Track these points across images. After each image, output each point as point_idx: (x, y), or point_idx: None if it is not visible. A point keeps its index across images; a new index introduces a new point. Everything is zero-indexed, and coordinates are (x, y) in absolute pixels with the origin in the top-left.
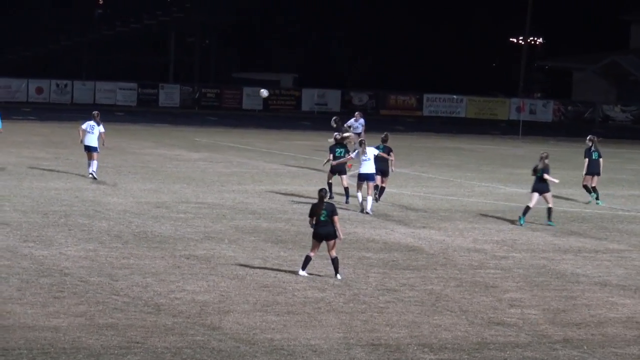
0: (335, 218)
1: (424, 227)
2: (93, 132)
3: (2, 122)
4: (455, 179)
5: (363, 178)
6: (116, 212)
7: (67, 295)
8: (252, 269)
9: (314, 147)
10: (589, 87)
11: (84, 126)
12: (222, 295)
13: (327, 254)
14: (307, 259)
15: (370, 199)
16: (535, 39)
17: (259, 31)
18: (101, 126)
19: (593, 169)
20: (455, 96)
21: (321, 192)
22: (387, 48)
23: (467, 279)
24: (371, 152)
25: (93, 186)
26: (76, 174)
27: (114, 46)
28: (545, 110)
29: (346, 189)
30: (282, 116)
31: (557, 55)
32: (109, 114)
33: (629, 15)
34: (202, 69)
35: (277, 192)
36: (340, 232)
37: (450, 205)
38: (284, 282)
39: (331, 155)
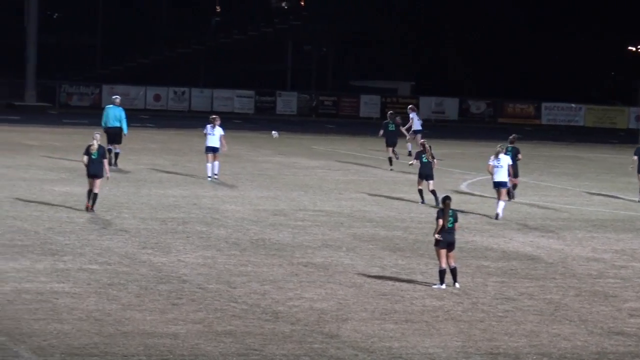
0: (456, 225)
1: (542, 236)
2: (213, 133)
3: (127, 125)
4: (573, 188)
5: (496, 185)
6: (234, 219)
7: (186, 302)
8: (370, 277)
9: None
10: None
11: (206, 129)
12: (340, 303)
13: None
14: (442, 273)
15: (502, 203)
16: None
17: (376, 38)
18: (221, 129)
19: None
20: (573, 105)
21: (446, 199)
22: (505, 56)
23: (586, 288)
24: (505, 160)
25: (211, 193)
26: (194, 181)
27: (231, 54)
28: None
29: (433, 192)
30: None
31: None
32: (226, 122)
33: None
34: (320, 77)
35: (395, 200)
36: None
37: (569, 214)
38: (401, 291)
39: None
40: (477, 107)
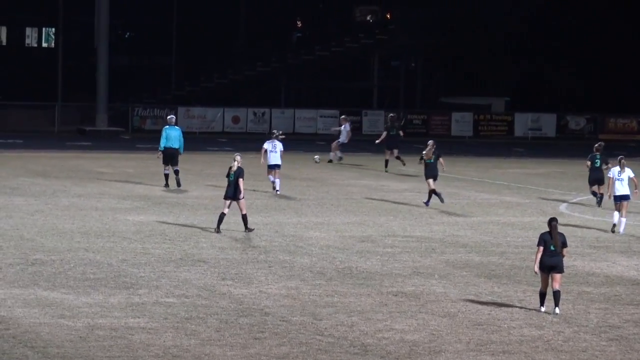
0: (565, 250)
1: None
2: (276, 150)
3: (183, 143)
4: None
5: (618, 199)
6: (319, 247)
7: (269, 336)
8: (465, 306)
9: (529, 174)
10: None
11: (266, 146)
12: (433, 334)
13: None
14: (542, 296)
15: (624, 220)
16: None
17: (467, 52)
18: (281, 144)
19: None
20: None
21: (552, 221)
22: (606, 68)
23: None
24: (627, 173)
25: (294, 220)
26: (276, 207)
27: (313, 71)
28: None
29: (434, 191)
30: (493, 142)
31: None
32: (309, 144)
33: None
34: (408, 94)
35: (489, 224)
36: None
37: None
38: (498, 320)
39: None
40: (577, 122)
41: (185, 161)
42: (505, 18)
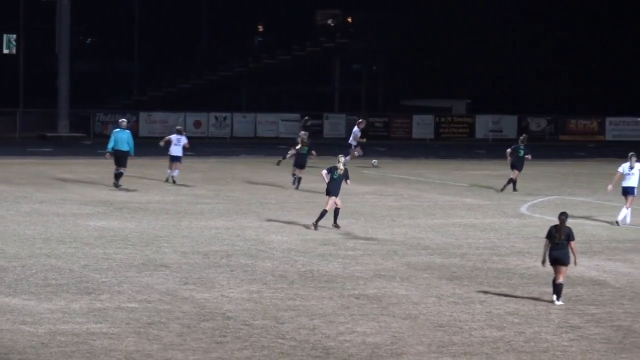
0: (572, 243)
1: (608, 259)
2: (179, 144)
3: (133, 146)
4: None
5: (625, 192)
6: (280, 250)
7: (230, 340)
8: (426, 308)
9: (490, 176)
10: None
11: (173, 139)
12: (395, 337)
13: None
14: (556, 287)
15: (628, 210)
16: None
17: (428, 55)
18: (184, 137)
19: None
20: None
21: (562, 215)
22: (566, 70)
23: None
24: (637, 167)
25: (255, 224)
26: (238, 211)
27: (275, 75)
28: None
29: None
30: (454, 144)
31: None
32: (270, 147)
33: None
34: (369, 97)
35: (451, 226)
36: (577, 257)
37: (637, 235)
38: (460, 321)
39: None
40: (537, 124)
41: (147, 166)
42: (466, 21)
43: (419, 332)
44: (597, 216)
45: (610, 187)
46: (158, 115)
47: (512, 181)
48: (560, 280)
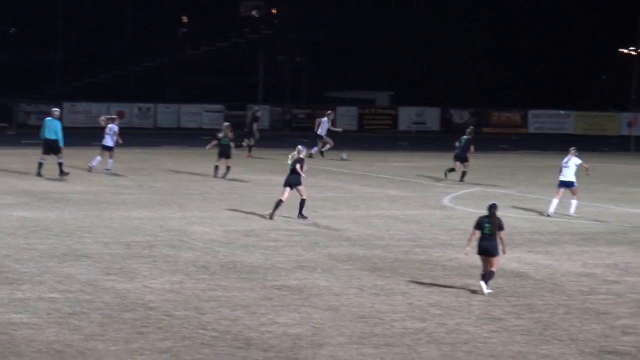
0: (502, 233)
1: (529, 251)
2: (110, 133)
3: (62, 137)
4: (563, 199)
5: (562, 185)
6: (203, 241)
7: (152, 331)
8: (347, 299)
9: (413, 168)
10: None
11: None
12: (316, 328)
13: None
14: (484, 276)
15: (574, 202)
16: None
17: (352, 48)
18: (114, 125)
19: None
20: (562, 111)
21: (492, 207)
22: (489, 62)
23: (576, 305)
24: (573, 160)
25: (178, 215)
26: (161, 202)
27: (199, 66)
28: None
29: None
30: (377, 136)
31: None
32: (194, 138)
33: None
34: (293, 89)
35: (373, 217)
36: (505, 247)
37: (558, 227)
38: (381, 313)
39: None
40: (461, 116)
41: (70, 156)
42: (389, 13)
43: (340, 323)
44: (519, 208)
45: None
46: (81, 106)
47: (452, 170)
48: (493, 269)
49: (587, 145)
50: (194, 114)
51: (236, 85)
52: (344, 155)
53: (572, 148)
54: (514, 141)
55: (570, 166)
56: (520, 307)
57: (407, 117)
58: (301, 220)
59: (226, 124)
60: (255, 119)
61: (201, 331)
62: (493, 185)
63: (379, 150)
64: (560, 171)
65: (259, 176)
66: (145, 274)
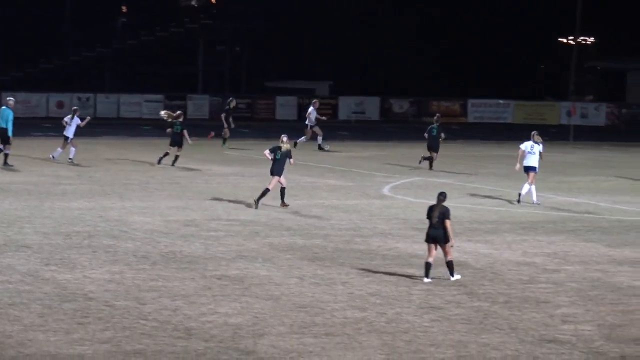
0: (447, 222)
1: (469, 240)
2: (71, 124)
3: (11, 128)
4: (503, 189)
5: (527, 170)
6: (143, 231)
7: (92, 321)
8: (288, 289)
9: (353, 157)
10: None
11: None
12: (257, 318)
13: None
14: (427, 266)
15: (533, 187)
16: (586, 38)
17: (292, 37)
18: (77, 118)
19: None
20: (501, 101)
21: (440, 195)
22: (429, 51)
23: (516, 294)
24: (537, 147)
25: (118, 205)
26: (101, 192)
27: (138, 56)
28: (597, 114)
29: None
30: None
31: (610, 56)
32: (134, 128)
33: None
34: (233, 79)
35: (313, 207)
36: (452, 236)
37: (498, 216)
38: (321, 302)
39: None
40: (400, 106)
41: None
42: (329, 3)
43: (280, 312)
44: (459, 197)
45: (517, 166)
46: (20, 96)
47: (429, 159)
48: (448, 258)
49: (527, 134)
50: (133, 104)
51: (176, 75)
52: (327, 146)
53: (534, 132)
54: (453, 130)
55: (535, 152)
56: (460, 296)
57: (347, 106)
58: (283, 209)
59: (179, 112)
60: (232, 109)
61: (142, 321)
62: (433, 175)
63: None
64: (524, 157)
65: (200, 166)
66: (85, 264)
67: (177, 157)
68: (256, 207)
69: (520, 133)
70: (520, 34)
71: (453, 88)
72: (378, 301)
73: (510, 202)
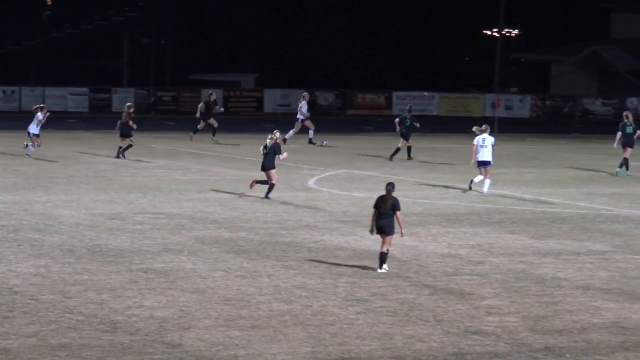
0: (398, 213)
1: (395, 232)
2: (35, 121)
3: None
4: (428, 181)
5: (481, 164)
6: (68, 225)
7: (17, 315)
8: (214, 282)
9: None
10: (568, 80)
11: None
12: (182, 311)
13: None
14: (381, 255)
15: (488, 181)
16: (511, 30)
17: (217, 30)
18: (40, 114)
19: (627, 142)
20: (426, 93)
21: (388, 186)
22: (354, 44)
23: (441, 286)
24: (489, 140)
25: (44, 198)
26: (26, 186)
27: (64, 49)
28: (522, 106)
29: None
30: (243, 118)
31: (534, 48)
32: (59, 121)
33: (610, 3)
34: (158, 71)
35: (238, 199)
36: (402, 227)
37: (423, 208)
38: (247, 295)
39: None
40: (325, 98)
41: None
42: None
43: (206, 306)
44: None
45: (472, 161)
46: None
47: (408, 150)
48: (385, 249)
49: (452, 126)
50: (59, 97)
51: (101, 68)
52: (324, 141)
53: (485, 125)
54: (379, 123)
55: (488, 145)
56: (385, 288)
57: (272, 99)
58: (267, 202)
59: (128, 104)
60: (214, 102)
61: (67, 315)
62: (357, 168)
63: (245, 133)
64: (477, 151)
65: (124, 159)
66: (10, 258)
67: (129, 146)
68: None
69: (445, 125)
70: (445, 26)
71: (379, 80)
72: (304, 294)
73: (463, 191)
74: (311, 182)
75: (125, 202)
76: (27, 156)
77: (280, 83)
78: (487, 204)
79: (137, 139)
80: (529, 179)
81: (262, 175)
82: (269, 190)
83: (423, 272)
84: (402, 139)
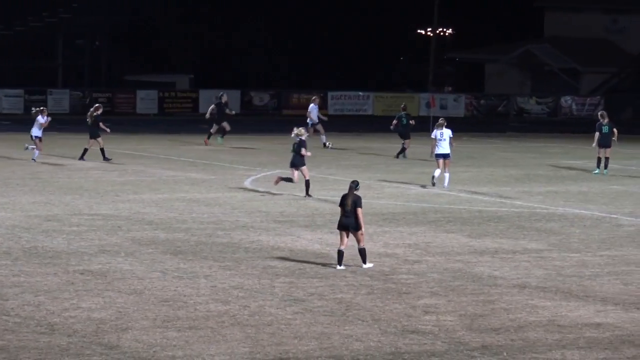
0: (359, 210)
1: (331, 232)
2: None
3: None
4: (363, 180)
5: (440, 157)
6: (4, 227)
7: None
8: (151, 283)
9: (214, 150)
10: (503, 79)
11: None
12: (120, 312)
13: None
14: (340, 253)
15: (447, 175)
16: (445, 30)
17: (151, 31)
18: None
19: (603, 142)
20: (361, 93)
21: (352, 183)
22: (288, 44)
23: (378, 285)
24: (447, 132)
25: None
26: None
27: None
28: (456, 105)
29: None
30: (179, 119)
31: (468, 47)
32: None
33: (543, 1)
34: (93, 73)
35: (175, 200)
36: (363, 224)
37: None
38: (184, 296)
39: None
40: (261, 98)
41: None
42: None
43: (144, 307)
44: (321, 190)
45: (431, 154)
46: None
47: (403, 149)
48: (360, 245)
49: (387, 126)
50: None
51: (36, 69)
52: (329, 143)
53: (441, 119)
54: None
55: (446, 138)
56: (322, 288)
57: (208, 100)
58: (307, 199)
59: (97, 104)
60: (225, 104)
61: (4, 317)
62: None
63: (181, 134)
64: (436, 144)
65: (60, 161)
66: None
67: (85, 150)
68: (308, 196)
69: (380, 125)
70: (379, 26)
71: (314, 80)
72: (241, 294)
73: (423, 186)
74: (247, 183)
75: (61, 204)
76: (32, 161)
77: (216, 83)
78: (423, 203)
79: (74, 140)
80: (464, 178)
81: (286, 173)
82: (307, 187)
83: (360, 271)
84: (404, 140)
